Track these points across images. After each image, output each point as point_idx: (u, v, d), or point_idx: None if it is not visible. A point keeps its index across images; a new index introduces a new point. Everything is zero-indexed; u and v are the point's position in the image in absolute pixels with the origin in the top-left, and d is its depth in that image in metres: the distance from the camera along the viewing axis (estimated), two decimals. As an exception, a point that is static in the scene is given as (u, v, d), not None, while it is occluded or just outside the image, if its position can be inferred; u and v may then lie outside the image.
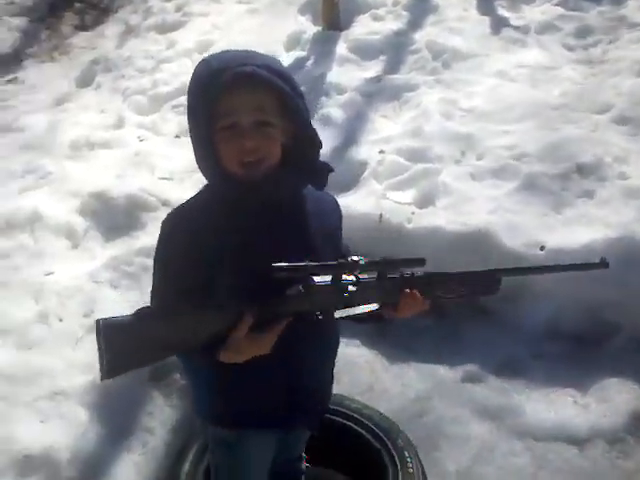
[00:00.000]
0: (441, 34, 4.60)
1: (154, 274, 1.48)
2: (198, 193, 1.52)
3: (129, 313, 1.30)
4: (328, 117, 3.83)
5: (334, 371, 1.71)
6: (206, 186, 1.51)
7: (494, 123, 3.57)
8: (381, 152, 3.41)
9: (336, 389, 2.56)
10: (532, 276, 2.78)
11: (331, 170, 1.51)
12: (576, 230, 2.85)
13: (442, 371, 2.69)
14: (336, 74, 4.30)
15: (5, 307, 2.84)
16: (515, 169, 3.17)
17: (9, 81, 5.33)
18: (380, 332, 2.87)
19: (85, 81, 5.14)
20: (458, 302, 2.60)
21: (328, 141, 3.60)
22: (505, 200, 3.04)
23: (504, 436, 2.42)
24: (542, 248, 2.78)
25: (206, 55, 1.47)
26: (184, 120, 1.55)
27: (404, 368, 2.72)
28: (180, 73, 4.67)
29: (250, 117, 1.38)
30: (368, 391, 2.62)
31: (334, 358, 1.68)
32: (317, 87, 4.16)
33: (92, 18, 6.50)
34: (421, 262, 1.45)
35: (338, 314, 1.42)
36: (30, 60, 5.77)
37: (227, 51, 1.46)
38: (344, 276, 1.40)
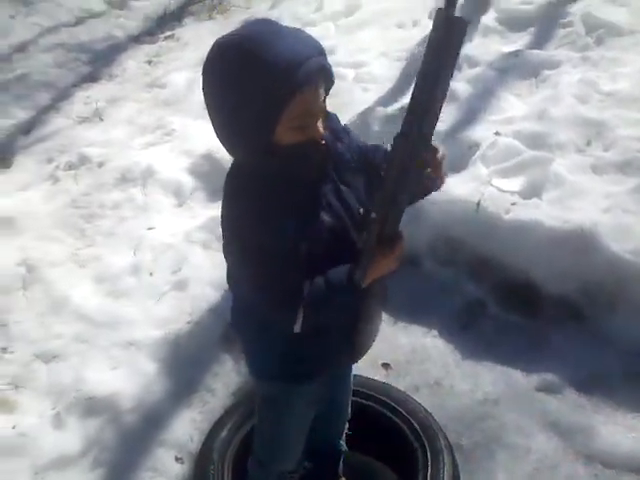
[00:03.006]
0: (602, 6, 4.18)
1: (256, 261, 1.39)
2: (238, 178, 1.44)
3: None
4: (453, 92, 3.63)
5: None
6: (244, 168, 1.43)
7: (633, 110, 3.21)
8: (496, 134, 3.18)
9: (404, 379, 2.55)
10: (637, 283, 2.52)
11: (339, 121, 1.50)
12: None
13: (518, 375, 2.49)
14: (474, 46, 4.06)
15: (107, 256, 3.03)
16: (642, 164, 2.84)
17: (166, 37, 5.59)
18: (463, 324, 2.74)
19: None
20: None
21: (446, 118, 3.44)
22: (623, 198, 2.73)
23: (570, 456, 2.22)
24: (652, 257, 2.47)
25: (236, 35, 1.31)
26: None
27: (477, 367, 2.56)
28: (320, 37, 4.63)
29: (318, 112, 1.34)
30: (435, 385, 2.51)
31: None
32: (450, 59, 3.95)
33: (255, -22, 6.62)
34: None
35: None
36: (190, 18, 6.00)
37: (262, 33, 1.28)
38: None
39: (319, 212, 1.42)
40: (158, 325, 2.68)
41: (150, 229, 3.13)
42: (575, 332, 2.60)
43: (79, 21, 5.88)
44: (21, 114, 4.60)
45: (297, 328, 1.40)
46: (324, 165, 1.43)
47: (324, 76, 1.31)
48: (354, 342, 1.56)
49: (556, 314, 2.66)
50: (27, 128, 4.43)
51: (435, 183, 1.46)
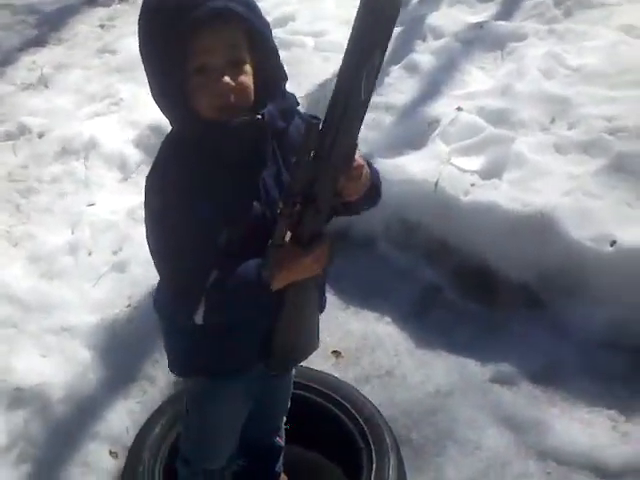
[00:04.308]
0: (576, -24, 4.04)
1: (167, 237, 1.28)
2: (166, 146, 1.35)
3: None
4: (415, 64, 3.48)
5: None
6: (172, 135, 1.34)
7: (600, 87, 3.08)
8: (458, 109, 3.04)
9: (354, 369, 2.43)
10: (600, 272, 2.41)
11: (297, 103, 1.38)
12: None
13: (472, 366, 2.38)
14: (439, 16, 3.91)
15: (43, 233, 2.85)
16: (607, 145, 2.71)
17: (121, 1, 5.33)
18: (418, 311, 2.62)
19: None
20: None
21: (406, 91, 3.29)
22: (586, 180, 2.61)
23: (522, 452, 2.12)
24: (612, 244, 2.36)
25: None
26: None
27: (431, 356, 2.44)
28: (280, 3, 4.43)
29: (224, 56, 1.23)
30: (386, 375, 2.39)
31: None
32: (414, 29, 3.80)
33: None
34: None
35: None
36: (148, -20, 5.72)
37: None
38: None
39: (248, 197, 1.29)
40: (94, 309, 2.51)
41: (90, 205, 2.95)
42: (532, 320, 2.50)
43: (28, -19, 5.56)
44: (-41, 78, 4.34)
45: (198, 319, 1.28)
46: (262, 145, 1.30)
47: (236, 20, 1.21)
48: (271, 345, 1.42)
49: (514, 301, 2.56)
50: (-33, 93, 4.17)
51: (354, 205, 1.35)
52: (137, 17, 1.25)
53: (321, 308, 1.57)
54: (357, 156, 1.25)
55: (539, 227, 2.50)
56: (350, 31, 1.09)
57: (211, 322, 1.30)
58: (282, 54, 1.33)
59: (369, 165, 1.35)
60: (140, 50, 1.27)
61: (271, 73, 1.31)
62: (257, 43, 1.27)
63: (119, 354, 2.43)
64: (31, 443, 2.16)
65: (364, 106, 1.16)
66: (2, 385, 2.25)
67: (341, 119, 1.15)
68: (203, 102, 1.24)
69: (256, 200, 1.30)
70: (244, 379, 1.53)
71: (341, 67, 1.12)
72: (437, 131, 2.96)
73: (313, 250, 1.28)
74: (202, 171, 1.25)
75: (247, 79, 1.26)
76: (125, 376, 2.39)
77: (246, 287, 1.27)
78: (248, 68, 1.26)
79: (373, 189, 1.37)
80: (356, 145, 1.23)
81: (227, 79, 1.22)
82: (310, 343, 1.55)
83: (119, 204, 2.93)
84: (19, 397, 2.24)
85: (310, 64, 3.74)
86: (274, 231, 1.25)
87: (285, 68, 1.33)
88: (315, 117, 1.21)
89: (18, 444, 2.16)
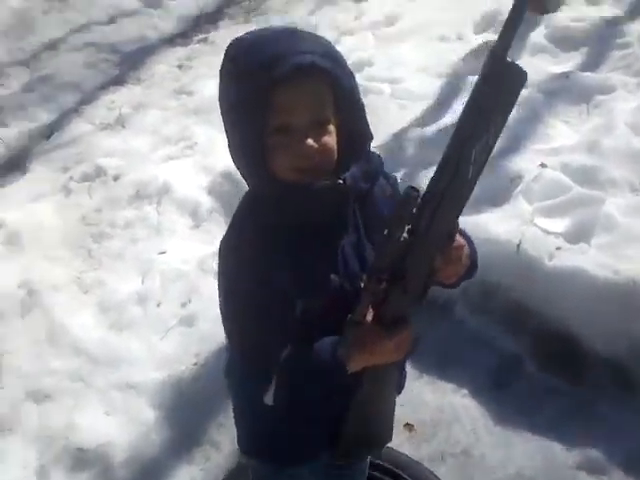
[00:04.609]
0: (664, 25, 3.86)
1: (240, 303, 1.22)
2: (244, 205, 1.28)
3: None
4: (496, 115, 3.35)
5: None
6: (250, 194, 1.27)
7: (698, 145, 2.89)
8: (542, 165, 2.90)
9: (428, 445, 2.29)
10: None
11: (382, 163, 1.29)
12: None
13: (557, 449, 2.20)
14: (521, 65, 3.76)
15: (114, 281, 2.83)
16: None
17: (200, 40, 5.38)
18: (497, 383, 2.46)
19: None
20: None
21: (487, 144, 3.15)
22: (685, 248, 2.43)
23: None
24: None
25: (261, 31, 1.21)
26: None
27: (512, 435, 2.27)
28: (356, 49, 4.39)
29: (308, 116, 1.15)
30: (462, 454, 2.24)
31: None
32: (495, 78, 3.67)
33: (299, -21, 6.38)
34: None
35: None
36: (226, 21, 5.78)
37: (267, 30, 1.22)
38: None
39: (326, 268, 1.20)
40: (161, 365, 2.46)
41: (161, 253, 2.92)
42: (622, 400, 2.31)
43: (111, 20, 5.69)
44: (44, 117, 4.43)
45: (269, 399, 1.18)
46: (343, 210, 1.21)
47: (322, 77, 1.14)
48: (342, 432, 1.30)
49: (602, 378, 2.37)
50: (48, 132, 4.26)
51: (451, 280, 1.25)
52: (214, 57, 1.19)
53: (399, 389, 1.46)
54: (457, 236, 1.14)
55: (630, 297, 2.32)
56: (466, 100, 1.00)
57: (281, 402, 1.20)
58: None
59: (468, 241, 1.25)
60: (220, 103, 1.21)
61: (356, 131, 1.23)
62: (342, 98, 1.19)
63: (184, 415, 2.36)
64: (93, 505, 2.12)
65: (471, 186, 1.06)
66: (65, 444, 2.22)
67: (443, 195, 1.05)
68: (283, 163, 1.16)
69: (334, 271, 1.20)
70: (312, 466, 1.43)
71: (451, 139, 1.02)
72: (520, 188, 2.82)
73: (396, 334, 1.17)
74: (279, 235, 1.17)
75: (331, 140, 1.18)
76: (189, 439, 2.31)
77: (320, 367, 1.17)
78: (332, 128, 1.18)
79: (472, 267, 1.26)
80: (457, 225, 1.12)
81: (310, 141, 1.14)
82: (385, 431, 1.44)
83: (190, 253, 2.89)
84: (82, 458, 2.20)
85: (386, 112, 3.66)
86: (355, 306, 1.15)
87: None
88: (413, 187, 1.08)
89: (81, 505, 2.11)
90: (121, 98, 4.53)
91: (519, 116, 3.35)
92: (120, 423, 2.29)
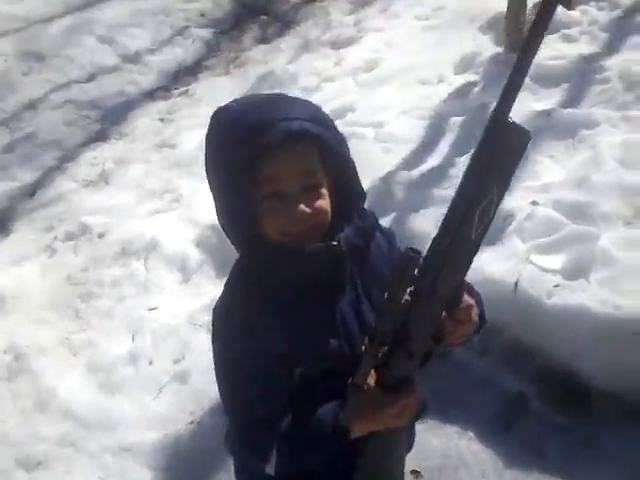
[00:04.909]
0: (641, 61, 3.91)
1: (230, 375, 1.19)
2: (235, 274, 1.24)
3: None
4: (482, 154, 3.35)
5: None
6: (240, 262, 1.24)
7: (685, 176, 2.90)
8: (533, 203, 2.88)
9: None
10: None
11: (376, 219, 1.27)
12: None
13: (571, 488, 2.14)
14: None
15: (103, 341, 2.75)
16: None
17: (180, 93, 5.40)
18: (503, 425, 2.40)
19: (249, 98, 5.07)
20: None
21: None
22: (683, 279, 2.40)
23: None
24: None
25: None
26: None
27: (522, 477, 2.21)
28: (338, 95, 4.41)
29: (299, 182, 1.13)
30: (472, 499, 2.17)
31: None
32: (478, 117, 3.68)
33: (274, 31, 6.46)
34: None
35: None
36: (206, 73, 5.82)
37: (254, 97, 1.25)
38: None
39: (323, 332, 1.16)
40: (155, 425, 2.38)
41: (151, 309, 2.85)
42: (632, 436, 2.25)
43: (91, 77, 5.69)
44: (26, 176, 4.41)
45: (270, 470, 1.13)
46: (339, 272, 1.17)
47: (311, 142, 1.12)
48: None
49: (608, 414, 2.32)
50: (31, 191, 4.23)
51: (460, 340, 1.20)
52: (195, 109, 1.17)
53: (409, 448, 1.40)
54: (466, 296, 1.10)
55: (634, 332, 2.28)
56: (469, 160, 0.97)
57: (283, 472, 1.15)
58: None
59: (476, 297, 1.20)
60: (206, 168, 1.18)
61: (348, 191, 1.20)
62: (332, 161, 1.17)
63: (182, 476, 2.27)
64: None
65: (475, 246, 1.02)
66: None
67: (446, 257, 1.01)
68: (274, 227, 1.14)
69: (332, 335, 1.16)
70: None
71: (453, 200, 0.99)
72: (513, 226, 2.80)
73: (399, 399, 1.12)
74: (273, 298, 1.14)
75: (324, 203, 1.15)
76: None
77: (322, 434, 1.12)
78: (324, 191, 1.16)
79: (481, 323, 1.22)
80: (464, 285, 1.08)
81: (302, 207, 1.12)
82: None
83: (180, 308, 2.83)
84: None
85: (371, 156, 3.64)
86: (356, 370, 1.10)
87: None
88: (413, 249, 1.06)
89: None
90: (104, 154, 4.51)
91: (505, 154, 3.35)
92: (115, 489, 2.19)
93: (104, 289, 2.97)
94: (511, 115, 0.99)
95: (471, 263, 1.03)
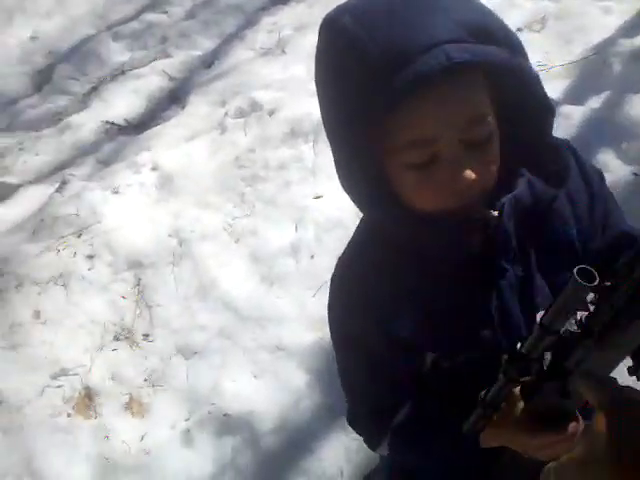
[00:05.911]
0: None
1: (347, 360, 1.05)
2: (357, 241, 1.00)
3: None
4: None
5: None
6: (367, 227, 1.00)
7: None
8: None
9: None
10: None
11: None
12: None
13: None
14: None
15: (265, 229, 2.63)
16: None
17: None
18: None
19: None
20: None
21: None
22: None
23: None
24: None
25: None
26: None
27: None
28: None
29: (456, 135, 0.78)
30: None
31: None
32: None
33: None
34: None
35: None
36: None
37: (377, 6, 0.78)
38: None
39: (473, 320, 0.90)
40: (313, 326, 2.25)
41: (317, 198, 2.66)
42: None
43: None
44: (207, 43, 4.29)
45: (383, 451, 1.05)
46: (498, 247, 0.87)
47: (475, 70, 0.76)
48: None
49: None
50: (210, 60, 4.11)
51: None
52: None
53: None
54: None
55: None
56: None
57: (397, 461, 1.12)
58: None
59: None
60: (321, 110, 0.85)
61: (526, 120, 0.84)
62: (506, 84, 0.80)
63: (337, 381, 2.14)
64: (240, 474, 2.00)
65: None
66: (212, 409, 2.10)
67: None
68: (425, 202, 0.83)
69: (484, 325, 0.90)
70: None
71: None
72: None
73: (538, 435, 0.85)
74: (400, 275, 0.90)
75: (495, 157, 0.82)
76: (343, 407, 2.10)
77: (439, 436, 0.96)
78: (496, 137, 0.81)
79: None
80: None
81: (468, 173, 0.79)
82: None
83: (346, 198, 2.60)
84: (228, 424, 2.07)
85: (585, 18, 3.09)
86: (494, 386, 0.83)
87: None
88: (587, 268, 0.65)
89: (226, 474, 2.00)
90: (282, 19, 4.25)
91: None
92: (268, 388, 2.14)
93: (269, 173, 2.82)
94: None
95: None
